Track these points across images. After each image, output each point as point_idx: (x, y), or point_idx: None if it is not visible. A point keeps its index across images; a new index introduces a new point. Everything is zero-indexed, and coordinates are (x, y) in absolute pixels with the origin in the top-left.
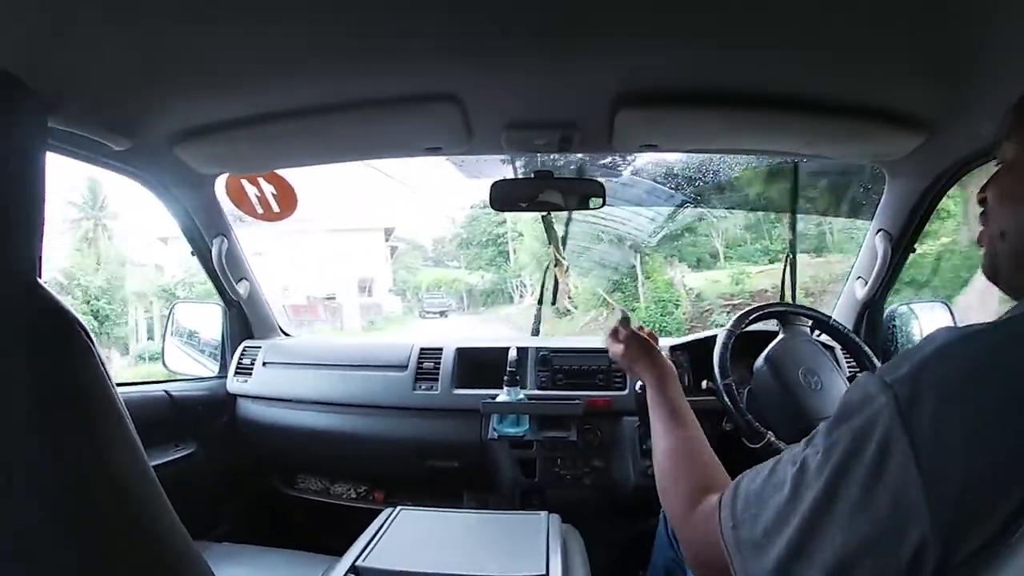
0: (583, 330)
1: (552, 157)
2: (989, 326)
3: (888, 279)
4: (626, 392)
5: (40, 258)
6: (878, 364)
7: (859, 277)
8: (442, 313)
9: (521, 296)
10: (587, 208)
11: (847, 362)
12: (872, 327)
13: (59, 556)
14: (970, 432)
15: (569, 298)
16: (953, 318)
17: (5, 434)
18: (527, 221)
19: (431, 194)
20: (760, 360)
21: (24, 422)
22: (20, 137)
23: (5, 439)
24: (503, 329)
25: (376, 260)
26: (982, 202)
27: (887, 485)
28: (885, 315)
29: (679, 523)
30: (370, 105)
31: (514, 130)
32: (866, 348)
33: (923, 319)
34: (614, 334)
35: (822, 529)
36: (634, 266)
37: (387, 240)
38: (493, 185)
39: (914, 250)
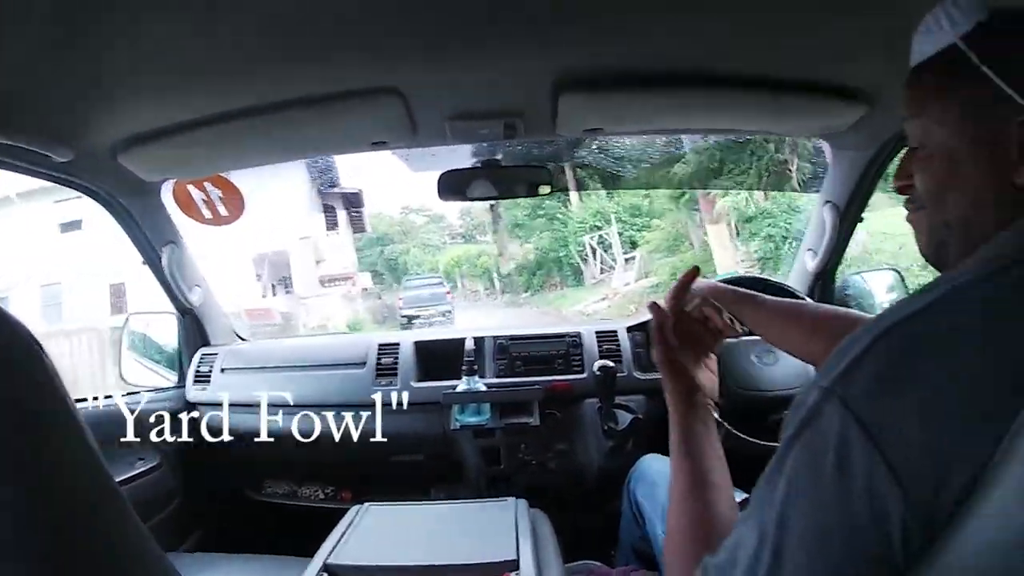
0: None
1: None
2: (917, 308)
3: (837, 250)
4: (585, 375)
5: None
6: None
7: (809, 249)
8: (444, 314)
9: (603, 269)
10: (536, 195)
11: None
12: (825, 297)
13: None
14: (920, 410)
15: None
16: (904, 284)
17: None
18: None
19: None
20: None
21: None
22: None
23: None
24: None
25: (296, 214)
26: (905, 189)
27: (855, 487)
28: (838, 284)
29: None
30: (313, 102)
31: (458, 121)
32: None
33: (875, 286)
34: (661, 330)
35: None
36: None
37: (312, 175)
38: (440, 176)
39: (861, 219)
